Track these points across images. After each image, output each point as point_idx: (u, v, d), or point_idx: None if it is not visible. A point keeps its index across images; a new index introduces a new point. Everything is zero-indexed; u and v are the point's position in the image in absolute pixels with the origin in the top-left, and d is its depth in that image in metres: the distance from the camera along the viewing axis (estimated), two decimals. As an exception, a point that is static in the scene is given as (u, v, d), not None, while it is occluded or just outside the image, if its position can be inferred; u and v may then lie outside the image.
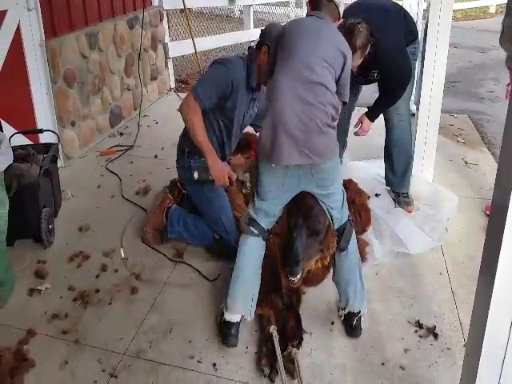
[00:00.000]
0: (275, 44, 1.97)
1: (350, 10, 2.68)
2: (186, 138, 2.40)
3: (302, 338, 2.00)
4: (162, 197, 2.69)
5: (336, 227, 1.98)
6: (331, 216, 1.96)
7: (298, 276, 1.90)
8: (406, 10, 2.91)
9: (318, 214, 1.92)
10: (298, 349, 1.94)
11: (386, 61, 2.57)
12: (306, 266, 1.96)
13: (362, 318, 2.04)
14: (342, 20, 2.08)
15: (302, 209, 1.92)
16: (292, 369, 1.84)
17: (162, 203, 2.64)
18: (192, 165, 2.42)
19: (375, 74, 2.66)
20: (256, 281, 2.03)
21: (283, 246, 1.99)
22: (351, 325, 2.03)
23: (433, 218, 2.81)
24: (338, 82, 1.89)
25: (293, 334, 1.99)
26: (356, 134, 2.84)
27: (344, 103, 1.96)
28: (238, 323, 2.00)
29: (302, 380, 1.78)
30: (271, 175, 1.88)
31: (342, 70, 1.89)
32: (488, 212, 3.20)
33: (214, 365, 1.91)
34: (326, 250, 1.99)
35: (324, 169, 1.85)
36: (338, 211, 1.96)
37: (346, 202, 2.01)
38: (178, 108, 2.27)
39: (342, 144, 3.27)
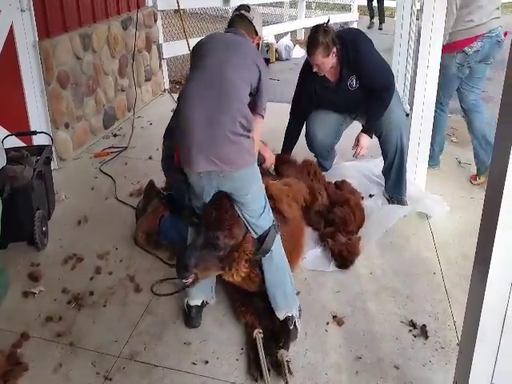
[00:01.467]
0: (192, 55, 2.04)
1: None
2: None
3: (288, 336, 1.97)
4: (156, 204, 2.66)
5: (257, 234, 1.90)
6: (249, 223, 1.88)
7: (188, 280, 1.84)
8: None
9: (220, 229, 1.82)
10: (286, 348, 1.92)
11: (363, 62, 2.64)
12: (202, 274, 1.87)
13: (297, 321, 2.00)
14: (258, 37, 2.15)
15: (207, 219, 1.85)
16: (280, 371, 1.83)
17: (157, 210, 2.62)
18: None
19: (354, 81, 2.70)
20: None
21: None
22: (288, 329, 1.97)
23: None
24: (255, 94, 1.94)
25: (278, 334, 1.98)
26: (355, 155, 2.82)
27: (261, 116, 2.00)
28: (197, 306, 2.10)
29: (289, 382, 1.78)
30: (194, 185, 1.87)
31: (258, 82, 1.94)
32: (473, 181, 3.31)
33: (209, 366, 1.91)
34: (229, 270, 1.90)
35: (236, 178, 1.80)
36: (257, 219, 1.88)
37: (268, 208, 1.94)
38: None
39: (332, 156, 3.28)
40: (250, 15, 2.08)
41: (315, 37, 2.55)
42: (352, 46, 2.63)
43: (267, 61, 2.62)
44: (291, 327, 1.98)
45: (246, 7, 2.13)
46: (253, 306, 2.11)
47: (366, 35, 2.81)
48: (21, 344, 1.99)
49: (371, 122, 2.78)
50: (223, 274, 1.95)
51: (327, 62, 2.60)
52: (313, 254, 2.56)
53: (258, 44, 2.18)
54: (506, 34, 3.15)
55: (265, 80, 1.97)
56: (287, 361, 1.86)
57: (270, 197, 2.09)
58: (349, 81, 2.71)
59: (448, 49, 2.99)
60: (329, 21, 2.64)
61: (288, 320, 1.99)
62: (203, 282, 2.03)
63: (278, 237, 1.99)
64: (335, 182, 2.97)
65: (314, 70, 2.66)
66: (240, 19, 2.10)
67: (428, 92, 2.88)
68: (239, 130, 1.77)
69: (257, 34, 2.13)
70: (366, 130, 2.78)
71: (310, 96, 2.84)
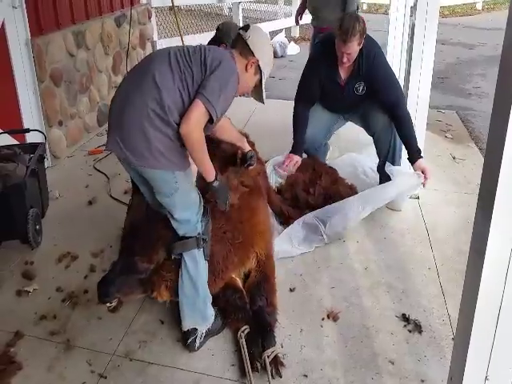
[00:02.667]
0: None
1: None
2: None
3: (268, 332, 1.94)
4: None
5: (177, 235, 1.84)
6: (171, 221, 1.81)
7: (112, 304, 1.84)
8: None
9: (137, 254, 1.80)
10: (270, 346, 1.89)
11: (376, 77, 2.70)
12: (125, 298, 1.87)
13: (199, 338, 1.94)
14: (255, 58, 1.86)
15: (125, 242, 1.84)
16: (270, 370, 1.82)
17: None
18: None
19: (361, 87, 2.76)
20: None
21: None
22: (187, 342, 1.94)
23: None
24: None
25: (261, 332, 1.95)
26: (424, 184, 2.76)
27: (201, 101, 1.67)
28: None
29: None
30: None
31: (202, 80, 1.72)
32: None
33: (204, 363, 1.90)
34: (151, 294, 1.88)
35: (150, 177, 1.74)
36: (179, 223, 1.81)
37: (197, 223, 1.84)
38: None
39: (324, 151, 3.27)
40: (247, 34, 1.86)
41: (352, 24, 2.52)
42: (367, 56, 2.67)
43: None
44: (189, 341, 1.93)
45: (246, 26, 1.92)
46: (234, 306, 2.04)
47: (379, 45, 2.82)
48: (14, 343, 1.98)
49: (412, 144, 2.75)
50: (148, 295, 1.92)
51: (357, 51, 2.63)
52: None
53: (253, 64, 1.86)
54: None
55: (214, 77, 1.71)
56: (274, 358, 1.85)
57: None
58: (356, 85, 2.75)
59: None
60: (358, 8, 2.67)
61: (189, 333, 1.94)
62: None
63: (199, 252, 1.86)
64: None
65: (344, 60, 2.64)
66: (236, 39, 1.92)
67: (422, 89, 2.88)
68: (154, 121, 1.66)
69: (253, 55, 1.85)
70: (415, 153, 2.74)
71: (319, 83, 2.84)
